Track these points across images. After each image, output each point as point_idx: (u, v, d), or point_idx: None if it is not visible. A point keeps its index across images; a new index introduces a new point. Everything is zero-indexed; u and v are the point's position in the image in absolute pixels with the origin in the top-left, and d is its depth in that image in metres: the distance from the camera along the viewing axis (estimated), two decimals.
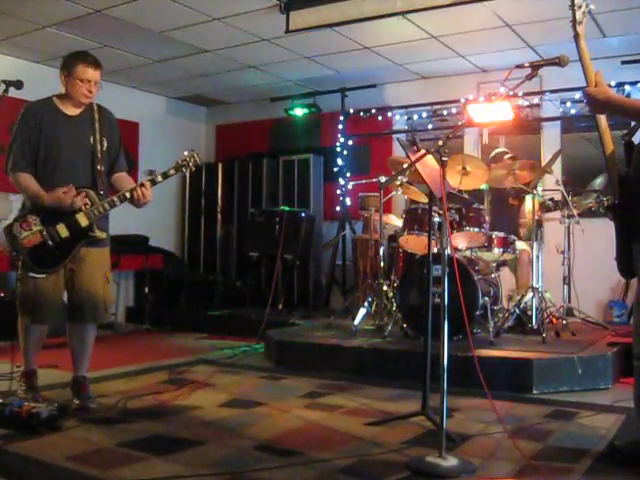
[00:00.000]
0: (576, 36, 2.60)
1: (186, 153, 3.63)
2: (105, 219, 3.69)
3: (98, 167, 3.63)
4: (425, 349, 3.29)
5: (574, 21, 2.58)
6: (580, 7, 2.57)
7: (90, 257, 3.63)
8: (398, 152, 7.02)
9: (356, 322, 5.29)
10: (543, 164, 5.70)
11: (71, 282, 3.63)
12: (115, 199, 3.55)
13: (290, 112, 8.12)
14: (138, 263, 7.65)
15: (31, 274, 3.52)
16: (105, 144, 3.67)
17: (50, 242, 3.51)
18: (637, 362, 2.70)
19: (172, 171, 3.60)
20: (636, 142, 2.70)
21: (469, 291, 4.50)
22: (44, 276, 3.54)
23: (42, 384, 3.86)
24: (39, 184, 3.52)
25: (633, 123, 2.89)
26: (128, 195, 3.54)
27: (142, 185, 3.55)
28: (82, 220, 3.53)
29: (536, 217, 5.14)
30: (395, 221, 6.14)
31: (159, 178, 3.59)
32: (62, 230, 3.51)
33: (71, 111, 3.64)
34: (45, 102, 3.64)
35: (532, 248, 5.10)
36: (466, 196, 4.87)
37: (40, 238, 3.49)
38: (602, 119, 2.66)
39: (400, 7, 5.36)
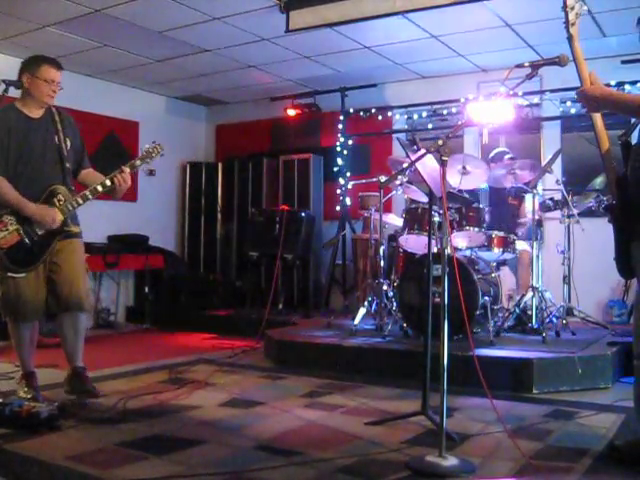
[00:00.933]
0: (569, 37, 2.61)
1: (147, 146, 3.83)
2: (75, 214, 3.79)
3: (67, 165, 3.74)
4: (425, 349, 3.29)
5: (567, 22, 2.59)
6: (573, 8, 2.57)
7: (69, 248, 3.72)
8: (398, 152, 7.02)
9: (356, 322, 5.29)
10: (543, 164, 5.70)
11: (54, 275, 3.69)
12: (87, 193, 3.67)
13: (304, 110, 8.10)
14: (138, 263, 7.66)
15: (10, 274, 3.56)
16: (69, 143, 3.78)
17: (27, 240, 3.57)
18: (637, 362, 2.70)
19: (138, 162, 3.77)
20: (633, 142, 2.70)
21: (469, 291, 4.50)
22: (23, 275, 3.58)
23: (42, 384, 3.87)
24: (11, 184, 3.57)
25: (633, 120, 2.88)
26: (109, 182, 3.66)
27: (122, 171, 3.68)
28: (57, 215, 3.62)
29: (536, 217, 5.14)
30: (395, 221, 6.14)
31: (137, 162, 3.76)
32: (38, 228, 3.59)
33: (34, 114, 3.71)
34: (8, 108, 3.68)
35: (532, 248, 5.10)
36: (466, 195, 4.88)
37: (17, 237, 3.55)
38: (598, 119, 2.66)
39: (400, 7, 5.36)
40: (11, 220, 3.54)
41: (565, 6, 2.57)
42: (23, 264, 3.58)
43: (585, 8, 2.61)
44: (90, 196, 3.66)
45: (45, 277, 3.68)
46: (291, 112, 8.16)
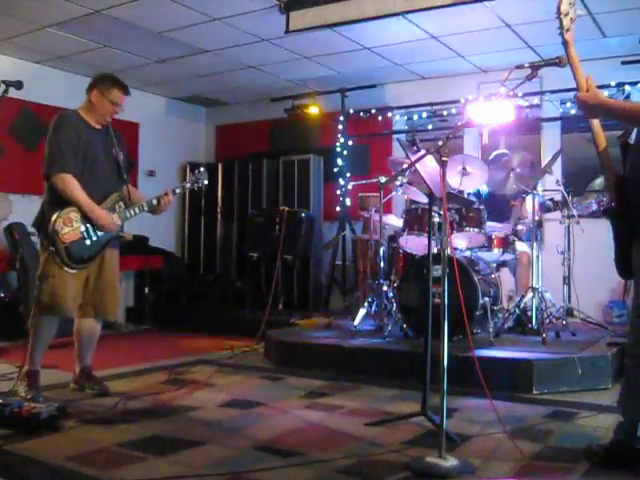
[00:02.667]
0: (565, 43, 2.60)
1: (199, 171, 4.24)
2: None
3: (125, 176, 3.99)
4: (425, 349, 3.29)
5: (562, 28, 2.58)
6: (567, 14, 2.56)
7: (111, 257, 3.96)
8: (398, 152, 7.02)
9: (356, 322, 5.29)
10: (543, 164, 5.70)
11: (96, 283, 3.87)
12: (144, 204, 3.95)
13: (304, 111, 8.08)
14: (138, 263, 7.65)
15: (66, 269, 3.70)
16: (121, 156, 4.00)
17: (87, 240, 3.74)
18: (628, 361, 2.71)
19: (188, 185, 4.23)
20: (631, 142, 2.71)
21: (469, 291, 4.50)
22: (75, 272, 3.73)
23: (43, 384, 3.87)
24: None
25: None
26: (155, 202, 3.98)
27: (167, 194, 4.02)
28: (117, 221, 3.88)
29: (536, 217, 5.14)
30: (395, 221, 6.13)
31: (177, 190, 4.13)
32: (99, 229, 3.79)
33: (95, 124, 3.92)
34: (74, 114, 3.88)
35: (532, 248, 5.10)
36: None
37: (79, 235, 3.72)
38: (595, 121, 2.67)
39: (400, 7, 5.36)
40: (77, 217, 3.71)
41: (559, 12, 2.56)
42: (78, 261, 3.74)
43: (580, 12, 2.60)
44: (146, 208, 3.95)
45: (85, 281, 3.84)
46: (291, 113, 8.14)
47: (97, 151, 3.86)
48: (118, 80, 3.99)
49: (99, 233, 3.80)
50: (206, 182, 4.23)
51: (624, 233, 2.64)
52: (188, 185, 4.21)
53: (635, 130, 2.74)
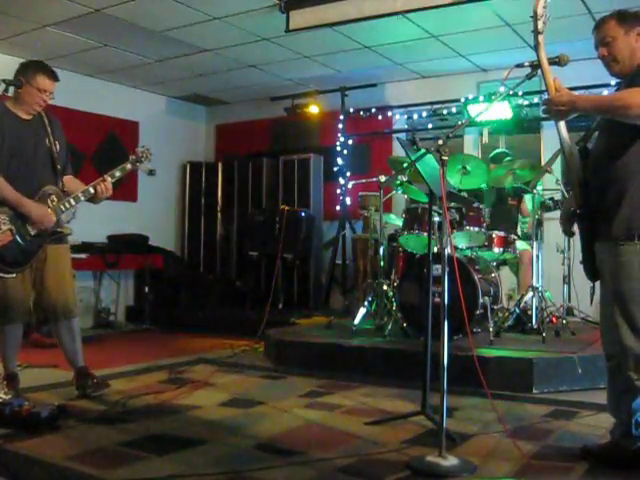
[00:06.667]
0: (537, 45, 2.63)
1: (140, 149, 3.85)
2: (65, 215, 3.78)
3: (58, 167, 3.75)
4: (425, 349, 3.29)
5: (535, 31, 2.61)
6: (541, 18, 2.59)
7: (56, 255, 3.73)
8: (398, 151, 7.03)
9: (356, 322, 5.29)
10: (543, 163, 5.69)
11: (40, 281, 3.68)
12: (79, 195, 3.66)
13: (304, 110, 8.07)
14: (138, 263, 7.65)
15: (1, 274, 3.52)
16: (57, 146, 3.79)
17: (20, 241, 3.53)
18: (608, 363, 2.71)
19: (129, 165, 3.81)
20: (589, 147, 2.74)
21: (469, 290, 4.50)
22: (14, 276, 3.55)
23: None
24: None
25: (593, 125, 2.90)
26: (92, 190, 3.67)
27: (104, 180, 3.70)
28: (52, 216, 3.62)
29: (536, 216, 5.14)
30: (395, 220, 6.14)
31: (117, 173, 3.76)
32: (31, 227, 3.57)
33: (25, 115, 3.71)
34: (0, 107, 3.66)
35: (532, 248, 5.10)
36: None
37: (10, 237, 3.51)
38: (562, 127, 2.70)
39: (400, 6, 5.36)
40: (4, 220, 3.51)
41: (535, 16, 2.59)
42: (14, 265, 3.54)
43: (548, 16, 2.64)
44: (82, 198, 3.66)
45: (32, 281, 3.67)
46: (291, 112, 8.14)
47: (26, 143, 3.64)
48: (44, 66, 3.68)
49: (32, 232, 3.56)
50: (150, 157, 3.85)
51: (589, 233, 2.67)
52: (129, 166, 3.81)
53: (595, 134, 2.77)
